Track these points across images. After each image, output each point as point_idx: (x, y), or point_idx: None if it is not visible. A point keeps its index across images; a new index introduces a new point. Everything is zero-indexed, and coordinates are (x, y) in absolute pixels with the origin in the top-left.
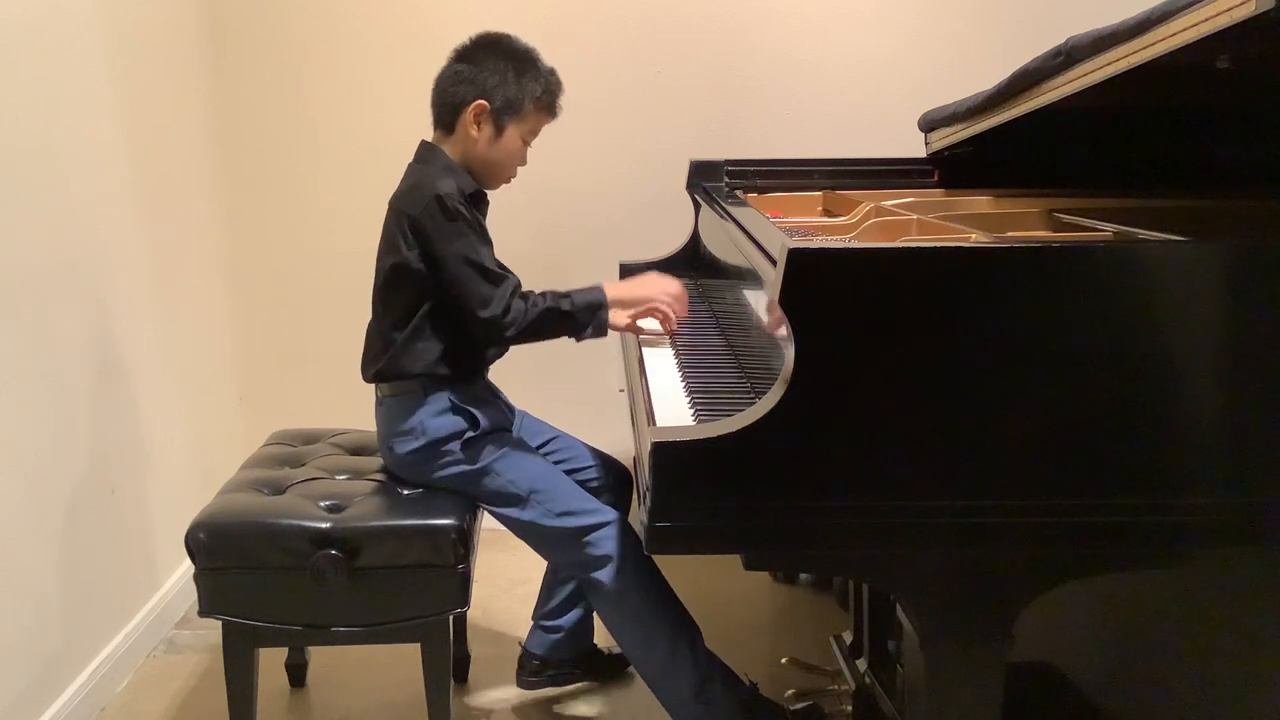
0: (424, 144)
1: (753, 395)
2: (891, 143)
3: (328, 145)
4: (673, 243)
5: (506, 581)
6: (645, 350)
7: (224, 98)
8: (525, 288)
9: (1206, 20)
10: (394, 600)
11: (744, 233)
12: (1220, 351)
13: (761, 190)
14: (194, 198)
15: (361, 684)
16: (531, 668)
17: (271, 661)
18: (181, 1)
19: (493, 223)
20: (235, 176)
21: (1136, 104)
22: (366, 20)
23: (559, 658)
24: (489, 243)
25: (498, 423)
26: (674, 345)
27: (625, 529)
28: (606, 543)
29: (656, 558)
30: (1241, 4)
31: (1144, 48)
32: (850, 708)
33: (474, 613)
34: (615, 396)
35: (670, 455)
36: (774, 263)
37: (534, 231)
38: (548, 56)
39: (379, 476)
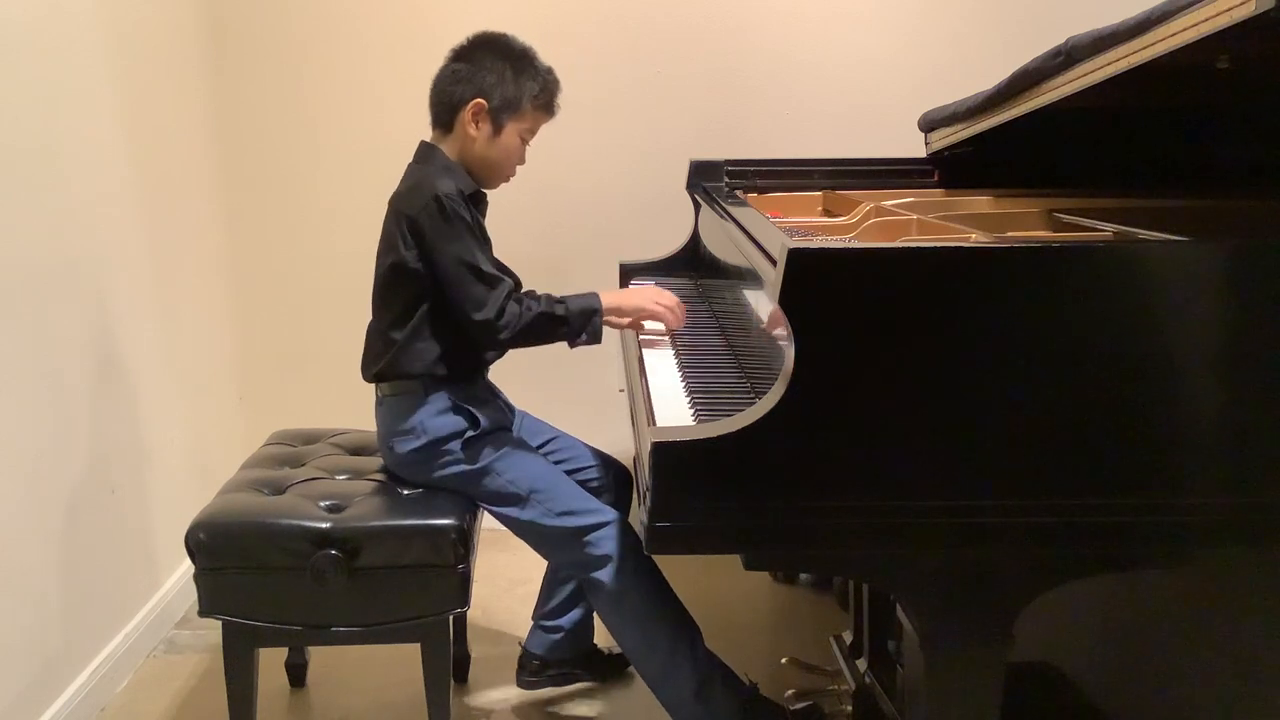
0: (423, 144)
1: (753, 395)
2: (891, 143)
3: (328, 145)
4: (673, 243)
5: (506, 581)
6: (645, 350)
7: (224, 98)
8: (526, 288)
9: (1206, 20)
10: (394, 600)
11: (744, 233)
12: (1220, 351)
13: (761, 190)
14: (194, 198)
15: (361, 684)
16: (531, 668)
17: (271, 661)
18: (181, 1)
19: (493, 223)
20: (235, 176)
21: (1136, 104)
22: (366, 20)
23: (559, 658)
24: (487, 244)
25: (498, 422)
26: (674, 345)
27: (625, 529)
28: (606, 543)
29: (656, 558)
30: (1241, 4)
31: (1144, 48)
32: (850, 708)
33: (474, 613)
34: (615, 396)
35: (670, 455)
36: (774, 263)
37: (534, 232)
38: (547, 56)
39: (379, 476)
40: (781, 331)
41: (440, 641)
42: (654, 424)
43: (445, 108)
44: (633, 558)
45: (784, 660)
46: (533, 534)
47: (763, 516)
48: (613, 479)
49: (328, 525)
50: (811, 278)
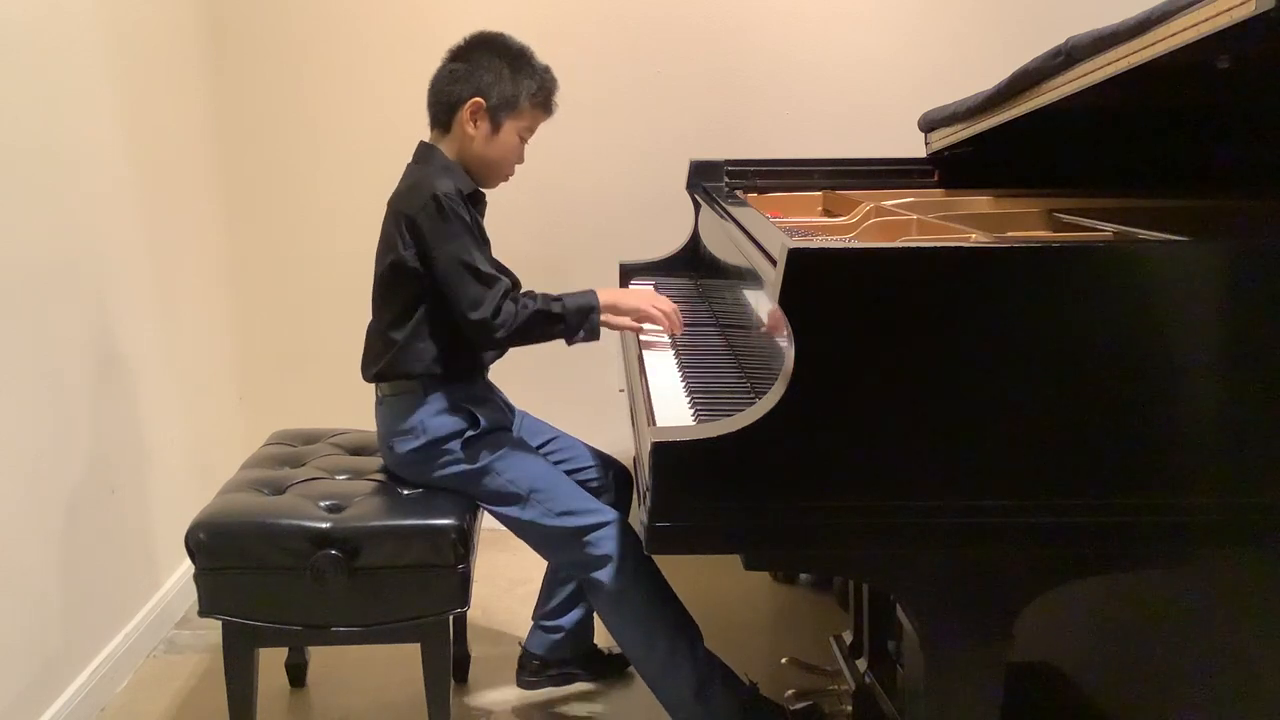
0: (422, 144)
1: (753, 395)
2: (891, 143)
3: (328, 145)
4: (673, 243)
5: (506, 581)
6: (645, 350)
7: (224, 98)
8: (525, 288)
9: (1206, 20)
10: (394, 600)
11: (744, 233)
12: (1220, 351)
13: (761, 190)
14: (194, 198)
15: (361, 684)
16: (531, 668)
17: (271, 661)
18: (181, 1)
19: (493, 223)
20: (235, 176)
21: (1136, 104)
22: (366, 20)
23: (559, 658)
24: (486, 244)
25: (497, 422)
26: (674, 345)
27: (625, 529)
28: (606, 543)
29: (656, 558)
30: (1241, 4)
31: (1144, 48)
32: (850, 708)
33: (474, 613)
34: (615, 396)
35: (670, 455)
36: (774, 263)
37: (534, 232)
38: (547, 56)
39: (379, 476)
40: (781, 331)
41: (440, 641)
42: (654, 424)
43: (443, 107)
44: (632, 558)
45: (784, 660)
46: (532, 534)
47: (763, 516)
48: (613, 479)
49: (328, 525)
50: (811, 278)
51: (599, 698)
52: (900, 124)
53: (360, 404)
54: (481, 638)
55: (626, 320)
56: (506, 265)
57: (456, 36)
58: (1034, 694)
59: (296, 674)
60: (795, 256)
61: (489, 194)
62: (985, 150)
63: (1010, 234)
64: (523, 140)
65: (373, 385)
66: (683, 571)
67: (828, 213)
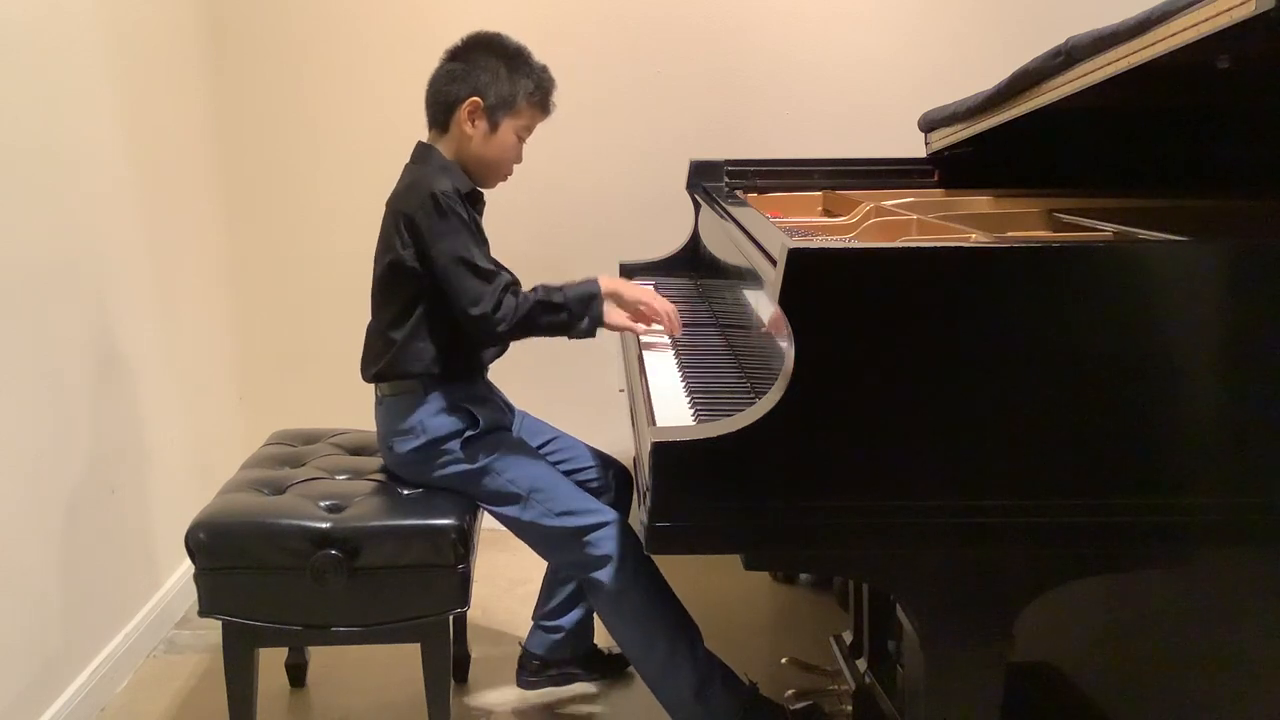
0: (420, 144)
1: (753, 395)
2: (891, 143)
3: (328, 145)
4: (673, 243)
5: (506, 581)
6: (645, 350)
7: (224, 98)
8: (524, 287)
9: (1206, 20)
10: (394, 600)
11: (744, 233)
12: (1220, 351)
13: (761, 190)
14: (194, 198)
15: (361, 684)
16: (531, 668)
17: (271, 661)
18: (181, 1)
19: (492, 223)
20: (235, 176)
21: (1136, 104)
22: (366, 20)
23: (559, 658)
24: (484, 241)
25: (497, 422)
26: (674, 345)
27: (625, 529)
28: (606, 543)
29: (656, 558)
30: (1241, 4)
31: (1144, 48)
32: (850, 708)
33: (474, 613)
34: (615, 396)
35: (670, 455)
36: (774, 263)
37: (533, 232)
38: (547, 56)
39: (379, 476)
40: (781, 331)
41: (440, 641)
42: (654, 424)
43: (441, 107)
44: (632, 558)
45: (784, 660)
46: (532, 534)
47: (763, 516)
48: (613, 479)
49: (328, 525)
50: (811, 278)
51: (599, 698)
52: (900, 124)
53: (360, 404)
54: (481, 638)
55: (625, 319)
56: (506, 265)
57: (456, 36)
58: (1034, 694)
59: (296, 674)
60: (795, 256)
61: (488, 195)
62: (985, 150)
63: (1010, 234)
64: (520, 140)
65: (372, 385)
66: (683, 571)
67: (828, 213)
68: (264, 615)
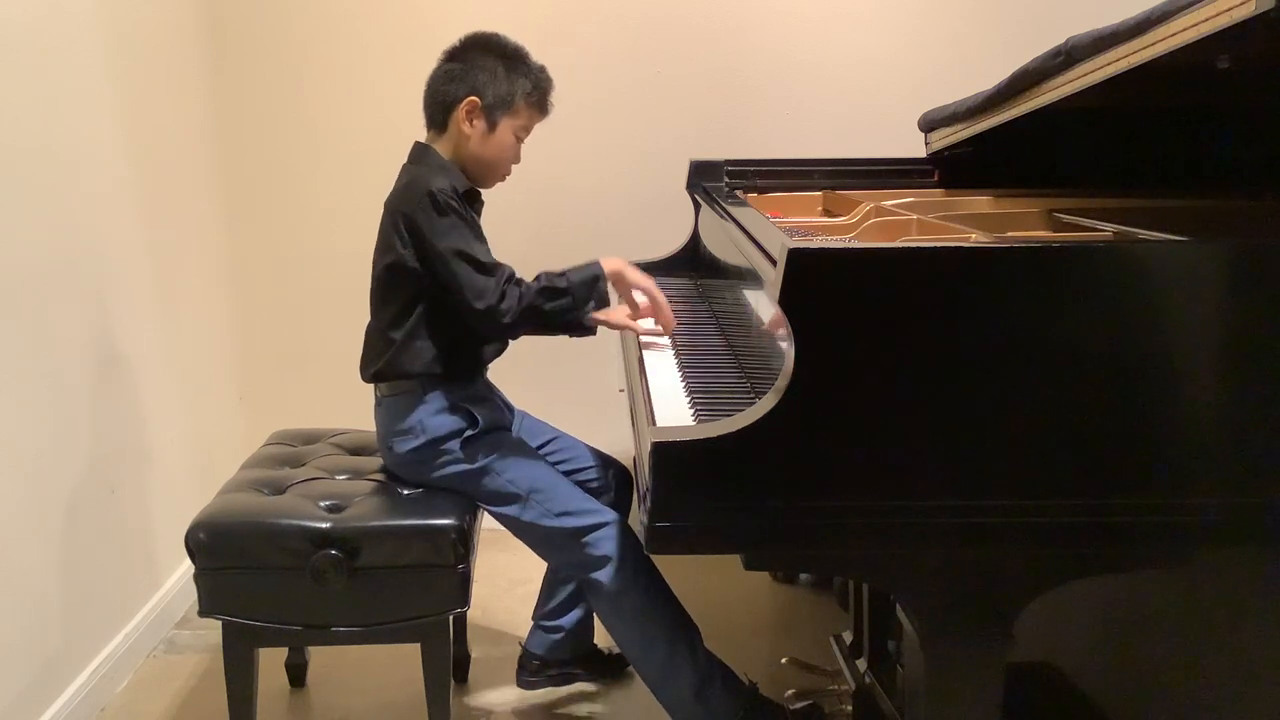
0: (417, 145)
1: (753, 395)
2: (891, 143)
3: (328, 145)
4: (673, 243)
5: (506, 581)
6: (645, 350)
7: (224, 98)
8: None
9: (1206, 20)
10: (394, 600)
11: (744, 233)
12: (1220, 351)
13: (761, 190)
14: (194, 198)
15: (361, 684)
16: (531, 668)
17: (271, 661)
18: (181, 1)
19: (492, 223)
20: (235, 176)
21: (1136, 104)
22: (366, 20)
23: (559, 658)
24: (482, 238)
25: (496, 421)
26: (674, 345)
27: (624, 529)
28: (606, 543)
29: (656, 558)
30: (1241, 4)
31: (1144, 48)
32: (850, 708)
33: (474, 613)
34: (615, 396)
35: (670, 455)
36: (774, 263)
37: (533, 232)
38: (547, 56)
39: (379, 476)
40: (781, 331)
41: (440, 641)
42: (654, 424)
43: (440, 107)
44: (632, 558)
45: (784, 660)
46: (532, 534)
47: (763, 516)
48: (613, 479)
49: (328, 525)
50: (811, 278)
51: (599, 698)
52: (900, 124)
53: (360, 404)
54: (481, 638)
55: (624, 317)
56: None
57: (456, 36)
58: (1034, 694)
59: (296, 674)
60: (795, 256)
61: (487, 196)
62: (985, 150)
63: (1010, 234)
64: (519, 140)
65: (372, 385)
66: (683, 571)
67: (828, 213)
68: (264, 615)
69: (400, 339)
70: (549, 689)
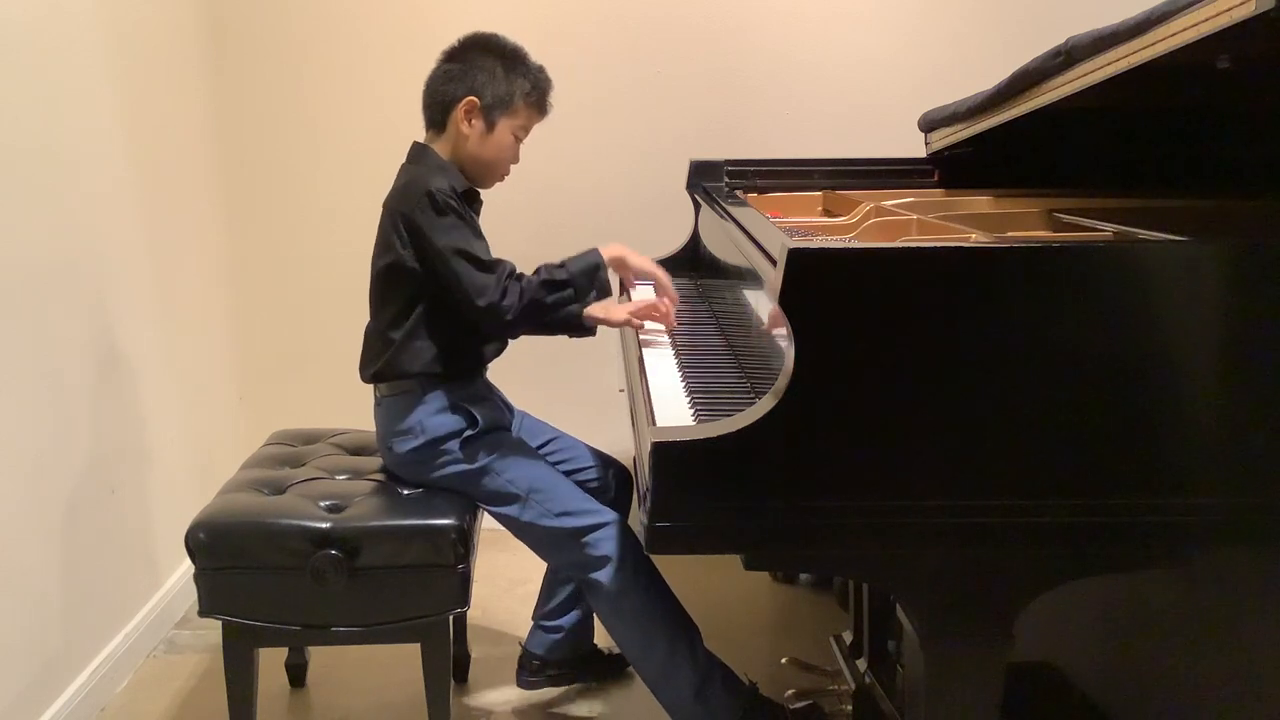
0: (416, 145)
1: (753, 395)
2: (891, 143)
3: (328, 145)
4: (673, 243)
5: (506, 581)
6: (645, 350)
7: (224, 98)
8: None
9: (1206, 20)
10: (394, 600)
11: (744, 233)
12: (1220, 351)
13: (761, 190)
14: (194, 198)
15: (361, 684)
16: (531, 668)
17: (271, 661)
18: (181, 1)
19: (491, 223)
20: (235, 176)
21: (1136, 104)
22: (366, 20)
23: (559, 658)
24: (481, 237)
25: (496, 421)
26: (674, 345)
27: (624, 530)
28: (605, 543)
29: (656, 558)
30: (1241, 4)
31: (1144, 48)
32: (850, 708)
33: (474, 613)
34: (615, 396)
35: (670, 455)
36: (774, 263)
37: (533, 232)
38: (547, 56)
39: (379, 476)
40: (781, 331)
41: (440, 641)
42: (654, 424)
43: (438, 107)
44: (631, 558)
45: (784, 660)
46: (531, 534)
47: (763, 516)
48: (613, 479)
49: (328, 525)
50: (811, 278)
51: (599, 698)
52: (900, 124)
53: (360, 404)
54: (481, 638)
55: (625, 314)
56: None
57: (456, 36)
58: (1034, 694)
59: (296, 674)
60: (795, 256)
61: (486, 196)
62: (985, 150)
63: (1010, 234)
64: (517, 140)
65: (371, 385)
66: (683, 571)
67: (828, 213)
68: (264, 615)
69: (399, 339)
70: (549, 689)
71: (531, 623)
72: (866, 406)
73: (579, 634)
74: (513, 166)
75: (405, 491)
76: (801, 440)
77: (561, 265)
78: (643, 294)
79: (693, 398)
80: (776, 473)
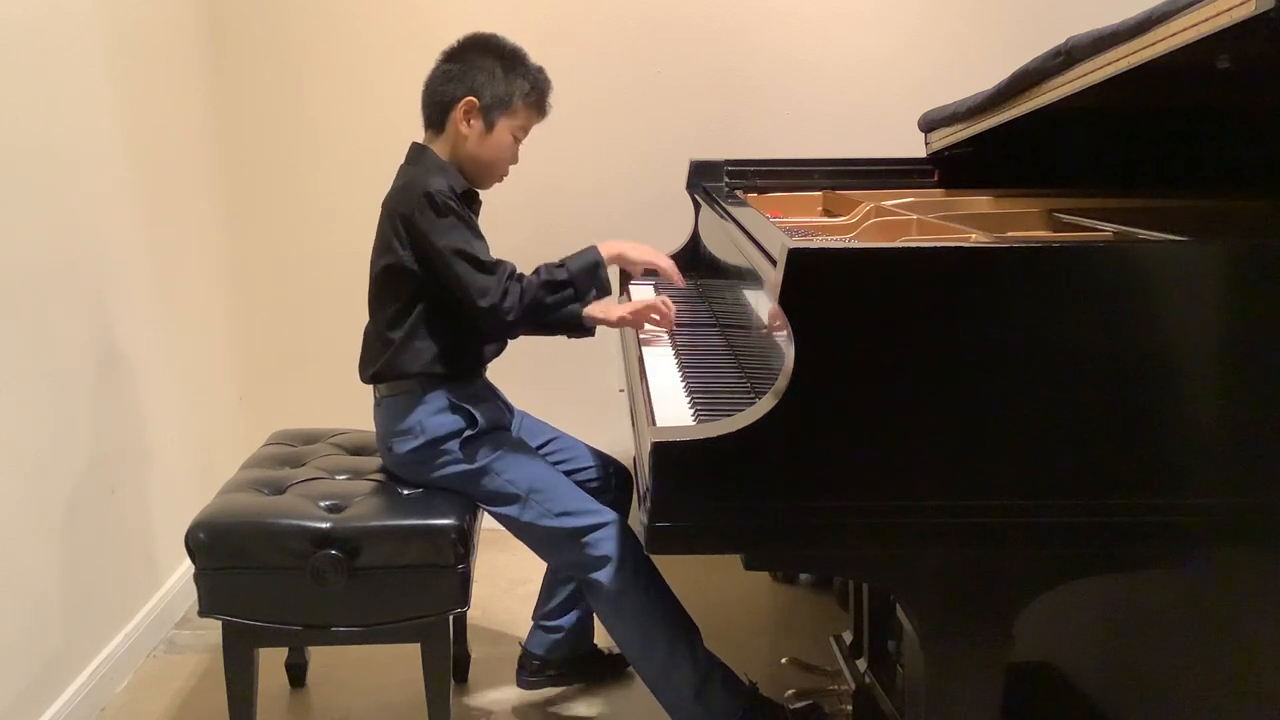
0: (414, 145)
1: (753, 395)
2: (891, 143)
3: (328, 145)
4: (673, 243)
5: (506, 581)
6: (645, 350)
7: (224, 98)
8: None
9: (1206, 20)
10: (394, 600)
11: (744, 233)
12: (1220, 351)
13: (761, 190)
14: (194, 198)
15: (361, 684)
16: (531, 668)
17: (271, 661)
18: (181, 1)
19: (491, 223)
20: (235, 176)
21: (1136, 104)
22: (366, 20)
23: (559, 658)
24: (481, 238)
25: (496, 421)
26: (674, 345)
27: (624, 530)
28: (605, 543)
29: (656, 558)
30: (1241, 4)
31: (1144, 48)
32: (850, 708)
33: (474, 613)
34: (615, 396)
35: (670, 455)
36: (774, 263)
37: (532, 232)
38: (547, 56)
39: (379, 476)
40: (781, 331)
41: (440, 641)
42: (654, 424)
43: (437, 108)
44: (631, 558)
45: (784, 660)
46: (531, 534)
47: (763, 516)
48: (613, 479)
49: (328, 525)
50: (811, 278)
51: (599, 698)
52: (900, 124)
53: (360, 404)
54: (481, 638)
55: (625, 314)
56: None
57: (456, 37)
58: (1034, 694)
59: (296, 674)
60: (795, 256)
61: (485, 196)
62: (985, 150)
63: (1010, 234)
64: (516, 140)
65: (371, 386)
66: (683, 571)
67: (828, 213)
68: (264, 615)
69: (399, 339)
70: (549, 689)
71: (531, 623)
72: (866, 406)
73: (579, 634)
74: (512, 166)
75: (405, 491)
76: (801, 440)
77: (561, 265)
78: (642, 294)
79: (693, 398)
80: (776, 473)
